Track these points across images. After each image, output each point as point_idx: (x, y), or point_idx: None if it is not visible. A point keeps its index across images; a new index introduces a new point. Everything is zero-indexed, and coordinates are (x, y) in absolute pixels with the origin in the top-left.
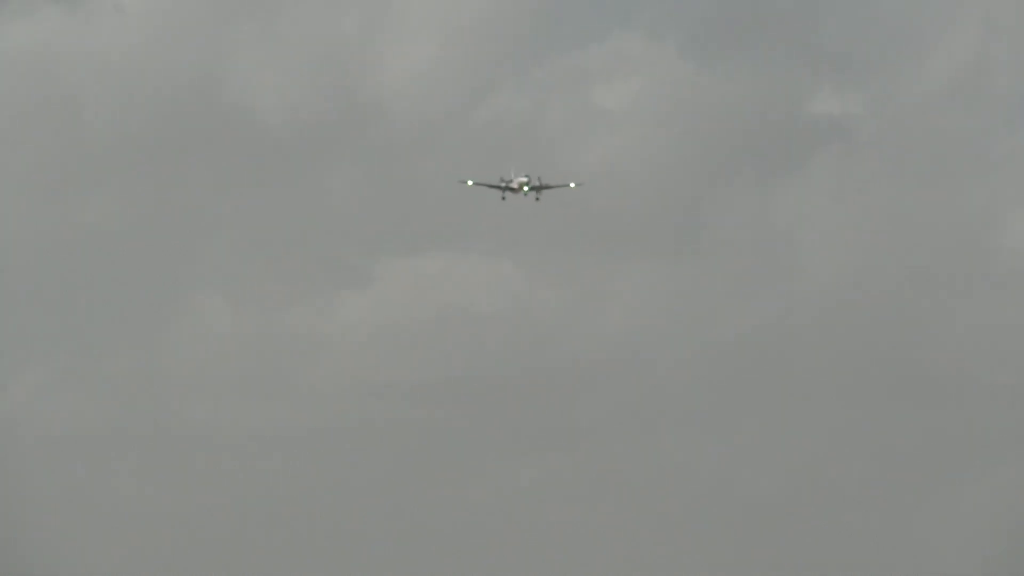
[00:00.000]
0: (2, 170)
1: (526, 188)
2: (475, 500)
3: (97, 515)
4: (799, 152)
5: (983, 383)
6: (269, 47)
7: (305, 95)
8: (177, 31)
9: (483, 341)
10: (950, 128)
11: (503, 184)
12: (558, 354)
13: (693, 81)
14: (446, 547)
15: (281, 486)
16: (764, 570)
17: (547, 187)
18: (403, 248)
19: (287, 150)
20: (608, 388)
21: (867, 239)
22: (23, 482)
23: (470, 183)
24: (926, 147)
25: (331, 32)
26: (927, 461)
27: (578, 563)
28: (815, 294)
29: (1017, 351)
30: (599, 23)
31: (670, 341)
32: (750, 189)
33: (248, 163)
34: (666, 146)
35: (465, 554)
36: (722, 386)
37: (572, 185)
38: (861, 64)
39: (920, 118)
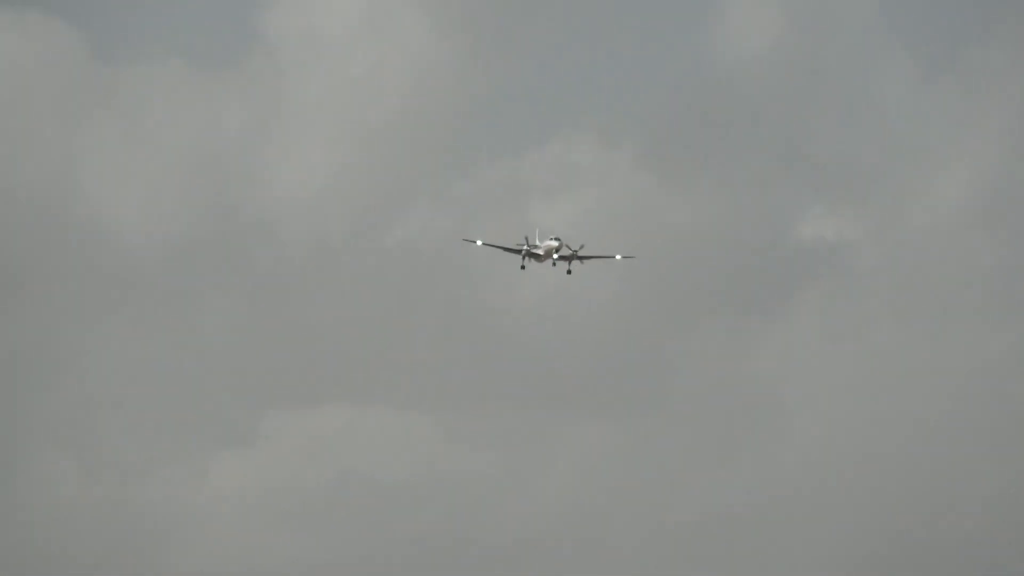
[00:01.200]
0: None
1: (555, 256)
2: None
3: None
4: (783, 287)
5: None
6: (131, 152)
7: (175, 211)
8: (20, 131)
9: (389, 514)
10: (965, 260)
11: (525, 248)
12: (482, 532)
13: (653, 197)
14: None
15: None
16: None
17: (584, 257)
18: (294, 400)
19: (152, 277)
20: (544, 574)
21: (865, 394)
22: None
23: (479, 243)
24: (936, 282)
25: (208, 135)
26: None
27: None
28: (802, 462)
29: None
30: (538, 125)
31: (622, 518)
32: (723, 332)
33: (104, 293)
34: (619, 276)
35: None
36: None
37: (618, 257)
38: (860, 180)
39: (930, 247)
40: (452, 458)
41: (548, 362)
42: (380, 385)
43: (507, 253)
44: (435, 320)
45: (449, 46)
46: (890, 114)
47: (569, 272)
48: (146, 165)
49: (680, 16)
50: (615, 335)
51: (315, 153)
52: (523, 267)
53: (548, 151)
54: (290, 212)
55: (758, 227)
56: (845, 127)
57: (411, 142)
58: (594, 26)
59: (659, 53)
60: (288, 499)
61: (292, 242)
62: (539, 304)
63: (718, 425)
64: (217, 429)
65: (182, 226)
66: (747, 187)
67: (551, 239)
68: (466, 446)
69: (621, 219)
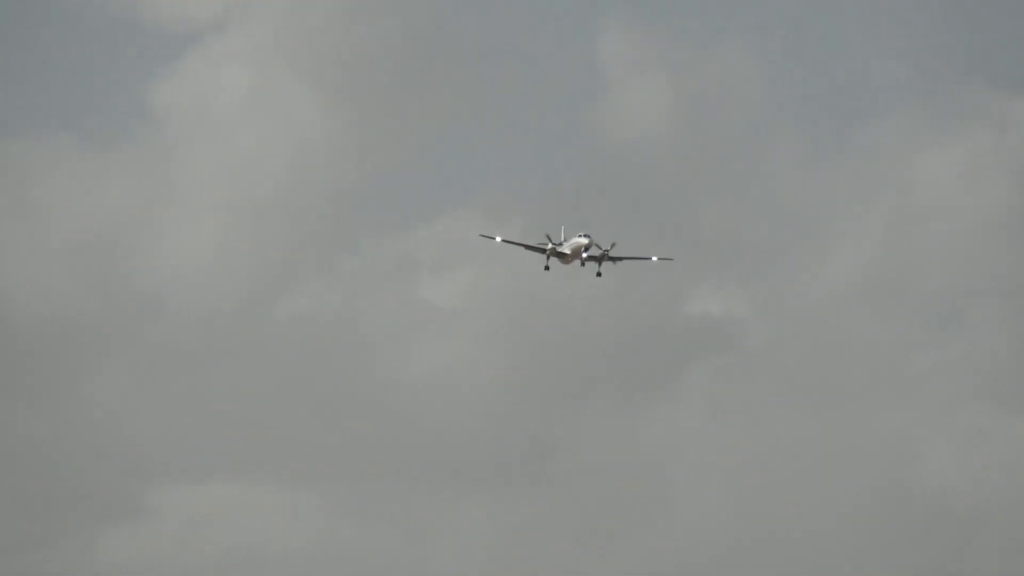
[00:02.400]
0: None
1: (584, 255)
2: None
3: None
4: (671, 363)
5: None
6: (19, 225)
7: (63, 284)
8: None
9: None
10: (852, 338)
11: (549, 247)
12: None
13: (540, 273)
14: None
15: None
16: None
17: (617, 258)
18: (182, 474)
19: (40, 351)
20: None
21: (754, 473)
22: None
23: (498, 239)
24: (823, 360)
25: (96, 208)
26: None
27: None
28: (688, 543)
29: None
30: (426, 201)
31: None
32: (610, 407)
33: None
34: (508, 352)
35: None
36: None
37: (654, 259)
38: (747, 258)
39: (816, 324)
40: (340, 534)
41: (437, 438)
42: (269, 459)
43: (529, 251)
44: (323, 394)
45: (337, 121)
46: (778, 192)
47: (599, 275)
48: (34, 238)
49: (568, 94)
50: (503, 411)
51: (204, 227)
52: (547, 268)
53: (436, 227)
54: (178, 286)
55: (646, 304)
56: (733, 204)
57: (299, 216)
58: (482, 103)
59: (547, 131)
60: (176, 574)
61: (181, 316)
62: (428, 379)
63: (605, 503)
64: (104, 503)
65: (70, 299)
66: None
67: (579, 236)
68: (354, 521)
69: (508, 296)
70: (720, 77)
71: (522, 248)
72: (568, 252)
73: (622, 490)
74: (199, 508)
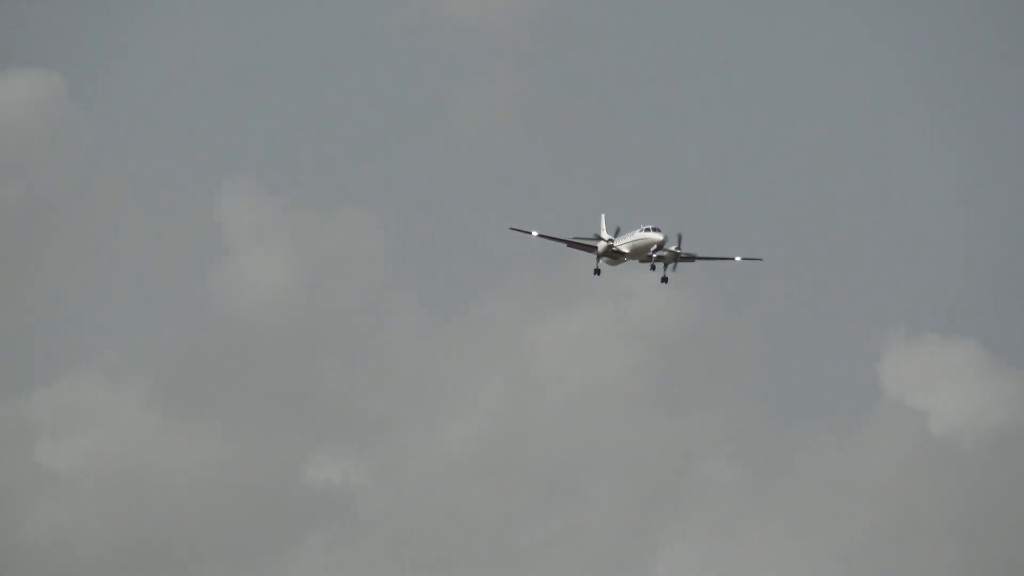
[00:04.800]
0: None
1: (654, 253)
2: None
3: None
4: (290, 532)
5: None
6: None
7: None
8: None
9: None
10: (470, 508)
11: (603, 242)
12: None
13: (160, 437)
14: None
15: None
16: None
17: (691, 258)
18: None
19: None
20: None
21: None
22: None
23: (534, 234)
24: (443, 529)
25: None
26: None
27: None
28: None
29: None
30: (43, 360)
31: None
32: None
33: None
34: (124, 519)
35: None
36: None
37: (737, 259)
38: (367, 424)
39: (436, 493)
40: None
41: None
42: None
43: (572, 249)
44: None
45: None
46: (399, 360)
47: (665, 280)
48: None
49: (190, 256)
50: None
51: None
52: (597, 271)
53: (55, 390)
54: None
55: (265, 471)
56: (353, 372)
57: None
58: (102, 265)
59: (169, 294)
60: None
61: None
62: (52, 545)
63: None
64: None
65: None
66: (256, 431)
67: (644, 229)
68: None
69: (129, 458)
70: (340, 245)
71: (564, 245)
72: (627, 251)
73: None
74: None
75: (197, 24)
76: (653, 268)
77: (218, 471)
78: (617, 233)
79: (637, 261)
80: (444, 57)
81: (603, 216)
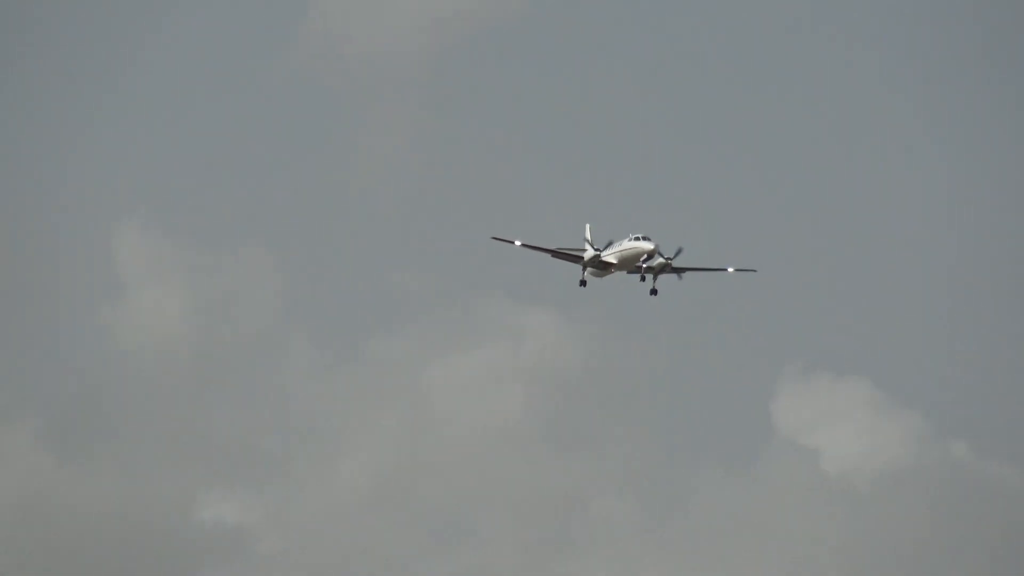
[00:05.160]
0: None
1: (644, 264)
2: None
3: None
4: (179, 572)
5: None
6: None
7: None
8: None
9: None
10: (366, 546)
11: (591, 253)
12: None
13: (53, 476)
14: None
15: None
16: None
17: (682, 269)
18: None
19: None
20: None
21: None
22: None
23: (517, 244)
24: (339, 568)
25: None
26: None
27: None
28: None
29: None
30: None
31: None
32: None
33: None
34: (10, 560)
35: None
36: None
37: (730, 270)
38: (261, 463)
39: (332, 532)
40: None
41: None
42: None
43: (556, 259)
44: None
45: None
46: (293, 398)
47: (654, 292)
48: None
49: (82, 294)
50: None
51: None
52: (583, 283)
53: None
54: None
55: (156, 509)
56: (246, 410)
57: None
58: None
59: (59, 330)
60: None
61: None
62: None
63: None
64: None
65: None
66: (148, 469)
67: (634, 238)
68: None
69: (18, 498)
70: (235, 284)
71: (548, 256)
72: (615, 261)
73: None
74: None
75: (91, 61)
76: (643, 279)
77: (110, 511)
78: (608, 246)
79: (625, 272)
80: (339, 93)
81: (588, 225)
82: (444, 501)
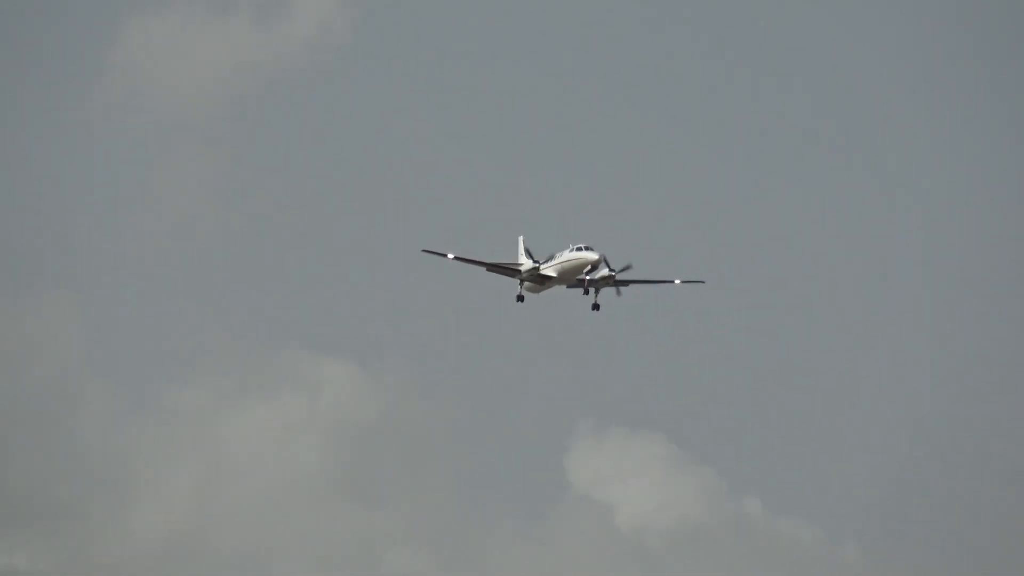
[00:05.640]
0: None
1: (587, 276)
2: None
3: None
4: None
5: None
6: None
7: None
8: None
9: None
10: None
11: (529, 265)
12: None
13: None
14: None
15: None
16: None
17: (624, 282)
18: None
19: None
20: None
21: None
22: None
23: (450, 256)
24: None
25: None
26: None
27: None
28: None
29: None
30: None
31: None
32: None
33: None
34: None
35: None
36: None
37: (677, 282)
38: (55, 511)
39: None
40: None
41: None
42: None
43: (492, 273)
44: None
45: None
46: (88, 447)
47: (596, 307)
48: None
49: None
50: None
51: None
52: (520, 298)
53: None
54: None
55: None
56: (41, 458)
57: None
58: None
59: None
60: None
61: None
62: None
63: None
64: None
65: None
66: None
67: (577, 248)
68: None
69: None
70: (35, 332)
71: (483, 269)
72: (554, 275)
73: None
74: None
75: None
76: (586, 292)
77: None
78: (549, 259)
79: (565, 286)
80: (139, 137)
81: (521, 238)
82: (238, 553)
